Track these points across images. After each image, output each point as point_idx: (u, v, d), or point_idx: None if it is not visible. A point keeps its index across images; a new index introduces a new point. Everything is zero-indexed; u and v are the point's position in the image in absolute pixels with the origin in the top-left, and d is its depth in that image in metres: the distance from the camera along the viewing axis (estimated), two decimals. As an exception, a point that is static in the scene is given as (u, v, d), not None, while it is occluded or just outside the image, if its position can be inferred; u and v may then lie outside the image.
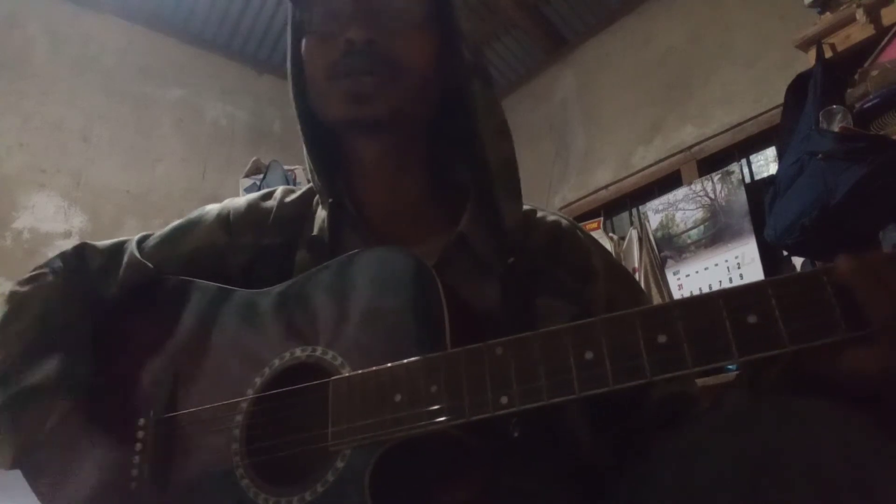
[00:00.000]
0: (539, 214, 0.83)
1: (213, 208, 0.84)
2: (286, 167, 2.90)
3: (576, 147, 3.59)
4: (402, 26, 0.72)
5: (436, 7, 0.75)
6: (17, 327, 0.73)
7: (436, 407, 0.52)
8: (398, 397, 0.54)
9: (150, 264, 0.77)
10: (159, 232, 0.83)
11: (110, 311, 0.76)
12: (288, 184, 2.76)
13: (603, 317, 0.48)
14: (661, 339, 0.45)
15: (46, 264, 0.79)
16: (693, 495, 0.46)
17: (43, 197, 2.91)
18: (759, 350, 0.41)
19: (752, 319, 0.42)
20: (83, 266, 0.79)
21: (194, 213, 0.84)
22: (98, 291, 0.77)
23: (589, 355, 0.47)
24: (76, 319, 0.75)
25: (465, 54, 0.75)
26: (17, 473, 0.68)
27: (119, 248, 0.81)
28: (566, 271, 0.76)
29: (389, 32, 0.71)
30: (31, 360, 0.70)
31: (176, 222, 0.84)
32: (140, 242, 0.81)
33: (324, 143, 0.79)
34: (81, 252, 0.80)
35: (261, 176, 2.87)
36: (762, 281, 0.43)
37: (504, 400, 0.50)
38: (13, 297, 0.76)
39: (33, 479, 0.68)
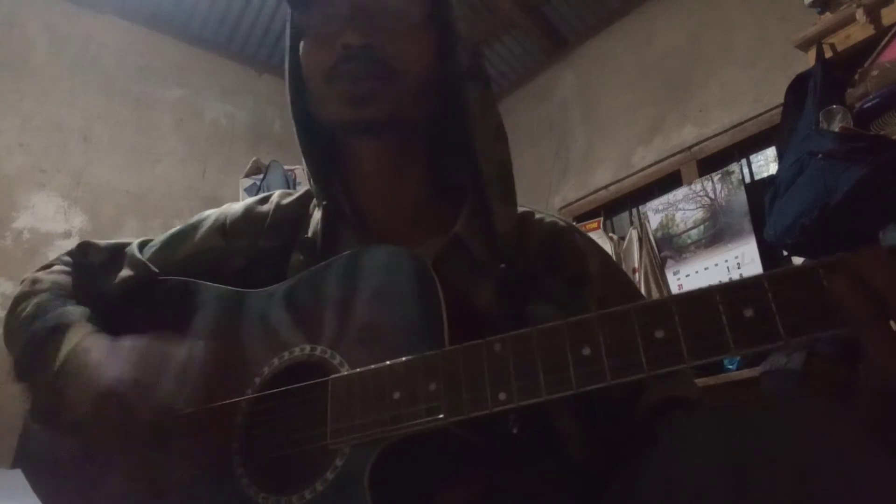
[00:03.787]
0: (537, 217, 0.82)
1: (211, 214, 0.85)
2: (286, 167, 2.90)
3: (576, 147, 3.59)
4: (398, 29, 0.73)
5: (433, 9, 0.75)
6: (35, 298, 0.77)
7: (435, 404, 0.52)
8: (397, 395, 0.54)
9: (152, 266, 0.79)
10: (158, 238, 0.85)
11: (111, 311, 0.77)
12: (288, 184, 2.77)
13: (600, 312, 0.48)
14: (658, 333, 0.45)
15: (55, 260, 0.85)
16: (679, 495, 0.46)
17: (43, 197, 2.91)
18: (757, 344, 0.42)
19: (748, 313, 0.42)
20: (86, 261, 0.82)
21: (193, 219, 0.86)
22: (99, 286, 0.79)
23: (586, 351, 0.47)
24: (82, 300, 0.78)
25: (461, 57, 0.75)
26: (18, 473, 0.68)
27: (120, 248, 0.83)
28: (561, 276, 0.75)
29: (386, 35, 0.72)
30: (44, 311, 0.74)
31: (174, 229, 0.86)
32: (140, 247, 0.83)
33: (322, 144, 0.79)
34: (85, 249, 0.83)
35: (261, 176, 2.87)
36: (759, 275, 0.43)
37: (503, 396, 0.49)
38: (27, 279, 0.81)
39: (34, 471, 0.68)
